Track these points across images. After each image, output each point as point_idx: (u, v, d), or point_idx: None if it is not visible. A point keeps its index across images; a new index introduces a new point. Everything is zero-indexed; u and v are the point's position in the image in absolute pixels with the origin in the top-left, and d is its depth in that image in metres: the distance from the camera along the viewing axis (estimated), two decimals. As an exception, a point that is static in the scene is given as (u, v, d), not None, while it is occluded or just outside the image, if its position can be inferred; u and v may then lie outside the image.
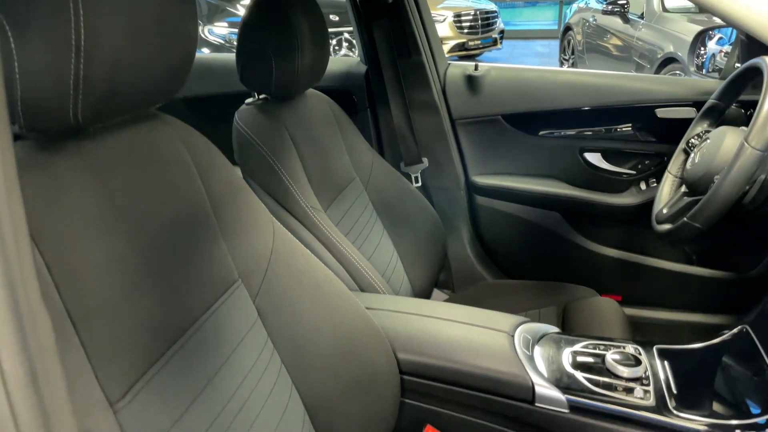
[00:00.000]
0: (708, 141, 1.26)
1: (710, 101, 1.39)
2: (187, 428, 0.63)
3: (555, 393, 0.96)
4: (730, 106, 1.38)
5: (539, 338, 1.11)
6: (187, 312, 0.69)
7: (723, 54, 1.99)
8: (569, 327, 1.49)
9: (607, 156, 1.80)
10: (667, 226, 1.27)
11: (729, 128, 1.26)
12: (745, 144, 1.07)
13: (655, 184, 1.75)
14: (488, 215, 1.89)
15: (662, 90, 1.69)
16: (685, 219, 1.17)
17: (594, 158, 1.81)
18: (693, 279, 1.77)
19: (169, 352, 0.64)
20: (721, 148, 1.21)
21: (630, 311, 1.81)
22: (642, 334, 1.67)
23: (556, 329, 1.15)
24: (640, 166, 1.78)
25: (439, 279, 1.79)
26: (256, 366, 0.78)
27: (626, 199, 1.77)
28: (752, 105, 1.48)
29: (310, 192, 1.29)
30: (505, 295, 1.71)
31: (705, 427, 0.90)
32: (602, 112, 1.76)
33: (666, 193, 1.42)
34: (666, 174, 1.45)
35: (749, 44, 1.57)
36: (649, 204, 1.71)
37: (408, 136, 1.83)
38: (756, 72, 1.27)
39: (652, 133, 1.73)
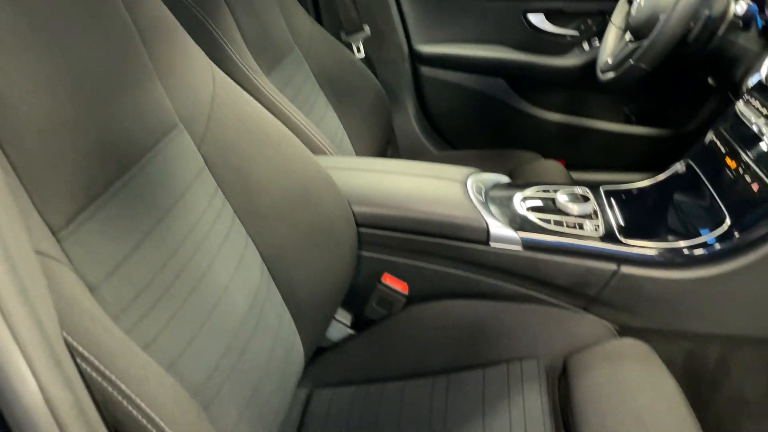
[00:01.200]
0: (652, -16, 1.24)
1: None
2: (139, 264, 0.60)
3: (509, 232, 0.97)
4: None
5: (491, 187, 1.11)
6: (126, 150, 0.64)
7: None
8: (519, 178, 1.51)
9: (550, 17, 1.77)
10: (611, 74, 1.27)
11: None
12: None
13: (598, 44, 1.74)
14: (433, 86, 1.86)
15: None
16: (630, 61, 1.17)
17: (537, 20, 1.77)
18: (633, 138, 1.82)
19: (112, 188, 0.60)
20: None
21: (574, 175, 1.86)
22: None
23: (506, 178, 1.16)
24: (583, 27, 1.76)
25: (386, 153, 1.77)
26: (207, 213, 0.75)
27: (569, 60, 1.76)
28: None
29: (248, 54, 1.21)
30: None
31: (655, 252, 0.94)
32: None
33: (611, 43, 1.41)
34: (609, 26, 1.43)
35: None
36: (591, 64, 1.70)
37: (347, 1, 1.74)
38: None
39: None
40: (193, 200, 0.73)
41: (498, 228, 0.97)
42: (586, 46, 1.75)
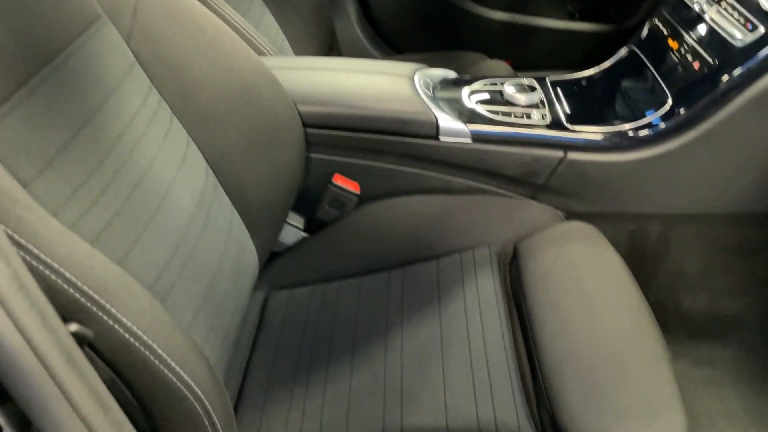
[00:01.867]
0: None
1: None
2: (73, 161, 0.57)
3: (458, 125, 0.96)
4: None
5: (439, 82, 1.10)
6: (45, 41, 0.59)
7: None
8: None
9: None
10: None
11: None
12: None
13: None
14: (374, -14, 1.78)
15: None
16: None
17: None
18: (577, 35, 1.81)
19: (33, 80, 0.56)
20: None
21: (520, 75, 1.85)
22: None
23: (454, 74, 1.14)
24: None
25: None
26: (142, 112, 0.71)
27: (513, -45, 1.72)
28: None
29: None
30: None
31: (600, 136, 0.95)
32: None
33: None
34: None
35: None
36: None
37: None
38: None
39: None
40: (125, 97, 0.69)
41: (447, 122, 0.96)
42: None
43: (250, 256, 0.88)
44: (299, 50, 1.49)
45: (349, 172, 1.01)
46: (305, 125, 0.96)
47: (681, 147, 0.91)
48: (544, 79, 1.11)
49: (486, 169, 0.99)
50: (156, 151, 0.70)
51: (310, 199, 1.02)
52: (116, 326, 0.45)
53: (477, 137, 0.97)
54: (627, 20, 1.76)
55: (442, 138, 0.97)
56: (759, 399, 0.99)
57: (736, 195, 0.95)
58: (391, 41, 1.86)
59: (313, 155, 1.00)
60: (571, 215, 1.01)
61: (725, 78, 0.86)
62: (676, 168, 0.93)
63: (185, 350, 0.50)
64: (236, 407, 0.79)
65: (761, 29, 0.83)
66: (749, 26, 0.85)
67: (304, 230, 1.04)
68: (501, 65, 1.62)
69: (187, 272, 0.68)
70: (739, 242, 1.00)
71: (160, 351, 0.47)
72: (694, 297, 1.05)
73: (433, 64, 1.66)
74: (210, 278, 0.73)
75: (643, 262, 1.04)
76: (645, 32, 1.09)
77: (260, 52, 1.18)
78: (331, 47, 1.71)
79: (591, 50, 1.83)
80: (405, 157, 0.99)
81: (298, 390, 0.79)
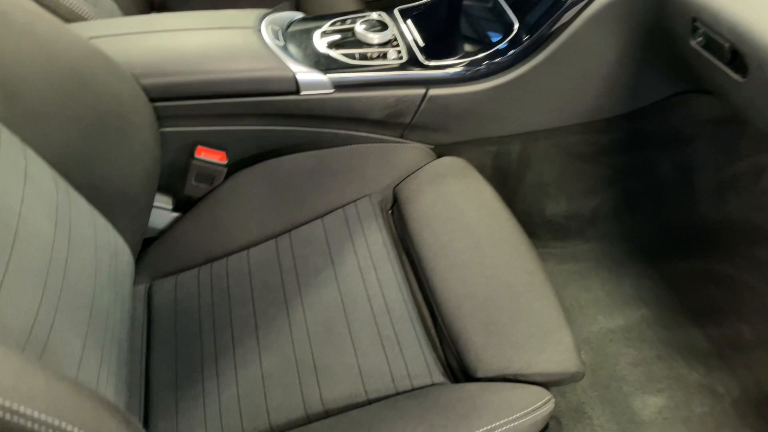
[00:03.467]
0: None
1: None
2: None
3: (317, 76, 0.93)
4: None
5: (286, 27, 1.04)
6: None
7: None
8: (309, 9, 1.43)
9: None
10: None
11: None
12: None
13: None
14: None
15: None
16: None
17: None
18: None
19: None
20: None
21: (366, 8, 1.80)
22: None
23: (300, 14, 1.09)
24: None
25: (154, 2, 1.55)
26: None
27: None
28: None
29: None
30: (230, 3, 1.55)
31: (457, 69, 0.96)
32: None
33: None
34: None
35: None
36: None
37: None
38: None
39: None
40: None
41: (306, 75, 0.93)
42: None
43: (123, 255, 0.82)
44: (125, 3, 1.33)
45: (211, 141, 0.95)
46: (152, 100, 0.88)
47: (531, 69, 0.95)
48: (392, 10, 1.09)
49: (352, 116, 0.98)
50: (19, 197, 0.61)
51: (174, 177, 0.96)
52: None
53: (338, 85, 0.94)
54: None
55: (303, 92, 0.93)
56: (619, 282, 1.14)
57: (582, 106, 1.03)
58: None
59: (168, 130, 0.92)
60: (438, 147, 1.04)
61: (560, 5, 0.90)
62: (529, 89, 0.98)
63: (82, 410, 0.46)
64: (147, 416, 0.76)
65: (589, -49, 0.87)
66: (580, -53, 0.88)
67: (174, 210, 0.98)
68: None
69: (64, 302, 0.62)
70: (588, 148, 1.09)
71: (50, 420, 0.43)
72: (555, 202, 1.15)
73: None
74: (90, 298, 0.67)
75: (508, 179, 1.11)
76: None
77: (75, 15, 1.04)
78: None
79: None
80: (267, 116, 0.95)
81: (208, 383, 0.77)
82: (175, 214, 0.97)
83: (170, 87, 0.89)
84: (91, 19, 1.08)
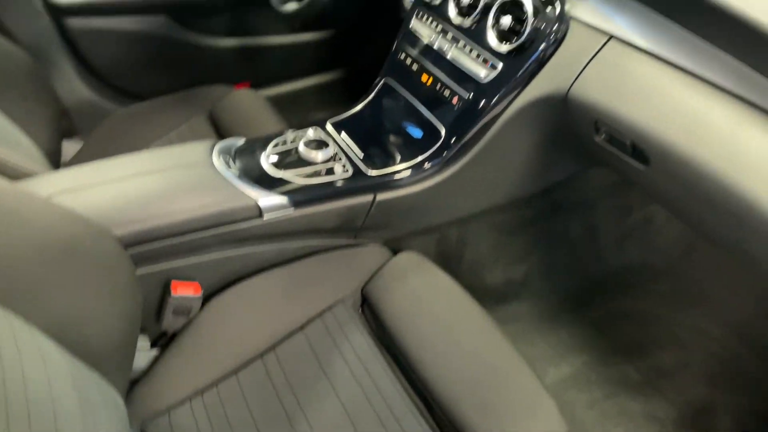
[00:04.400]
0: None
1: None
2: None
3: (277, 199, 1.00)
4: None
5: (234, 155, 1.11)
6: None
7: None
8: (226, 130, 1.50)
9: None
10: (294, 5, 1.31)
11: None
12: None
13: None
14: (88, 38, 1.62)
15: None
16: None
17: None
18: (305, 45, 1.91)
19: None
20: None
21: (264, 92, 1.89)
22: (282, 110, 1.77)
23: (242, 139, 1.16)
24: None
25: (61, 126, 1.54)
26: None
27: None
28: None
29: None
30: (143, 122, 1.58)
31: (400, 174, 1.08)
32: None
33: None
34: None
35: None
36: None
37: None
38: None
39: None
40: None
41: (266, 199, 1.00)
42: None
43: (117, 405, 0.83)
44: (35, 133, 1.32)
45: (183, 274, 0.99)
46: (127, 246, 0.91)
47: (463, 166, 1.09)
48: (325, 124, 1.20)
49: (312, 229, 1.06)
50: (19, 369, 0.62)
51: (150, 314, 0.98)
52: None
53: (296, 203, 1.02)
54: (347, 26, 1.92)
55: (266, 215, 1.00)
56: (557, 334, 1.29)
57: (506, 190, 1.18)
58: (127, 89, 1.74)
59: (144, 271, 0.95)
60: (389, 242, 1.15)
61: (481, 110, 1.05)
62: (463, 182, 1.12)
63: None
64: None
65: (499, 66, 1.03)
66: (489, 64, 1.05)
67: (154, 346, 0.99)
68: (248, 94, 1.64)
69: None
70: (514, 223, 1.24)
71: None
72: (492, 273, 1.29)
73: (180, 105, 1.62)
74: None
75: (451, 260, 1.23)
76: (395, 64, 1.24)
77: (19, 172, 1.04)
78: (59, 110, 1.53)
79: (320, 56, 1.96)
80: (235, 242, 1.01)
81: None
82: (154, 352, 0.99)
83: (143, 233, 0.92)
84: (28, 168, 1.08)
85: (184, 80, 1.76)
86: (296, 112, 1.85)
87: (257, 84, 1.90)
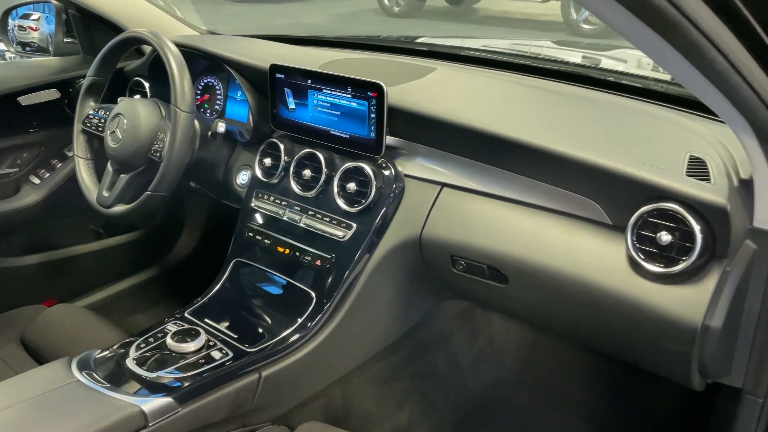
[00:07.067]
0: (121, 118, 1.29)
1: (90, 78, 1.39)
2: None
3: (160, 401, 0.93)
4: (109, 79, 1.42)
5: (92, 366, 0.99)
6: None
7: (18, 27, 1.95)
8: (48, 352, 1.33)
9: None
10: (122, 207, 1.28)
11: (134, 100, 1.34)
12: (177, 109, 1.19)
13: (47, 175, 1.65)
14: None
15: (20, 75, 1.56)
16: (148, 192, 1.22)
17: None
18: (115, 248, 1.83)
19: None
20: (142, 120, 1.27)
21: (79, 304, 1.73)
22: (106, 318, 1.62)
23: (97, 350, 1.05)
24: (20, 161, 1.63)
25: None
26: None
27: (25, 199, 1.61)
28: (124, 74, 1.58)
29: None
30: None
31: (282, 345, 1.07)
32: None
33: (88, 177, 1.38)
34: (76, 159, 1.40)
35: (81, 18, 1.62)
36: (54, 195, 1.62)
37: None
38: (130, 43, 1.36)
39: (21, 123, 1.60)
40: None
41: (150, 404, 0.91)
42: (35, 179, 1.64)
43: None
44: None
45: None
46: None
47: (340, 322, 1.12)
48: (183, 314, 1.15)
49: (202, 425, 0.97)
50: None
51: None
52: None
53: (182, 400, 0.95)
54: (157, 222, 1.90)
55: (152, 423, 0.91)
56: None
57: (378, 337, 1.23)
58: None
59: None
60: (276, 420, 1.10)
61: (346, 266, 1.12)
62: (342, 338, 1.14)
63: None
64: None
65: (354, 226, 1.13)
66: (344, 225, 1.14)
67: None
68: (66, 310, 1.49)
69: None
70: (389, 370, 1.29)
71: None
72: (380, 425, 1.29)
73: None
74: None
75: (340, 422, 1.21)
76: (241, 245, 1.26)
77: None
78: None
79: (133, 257, 1.89)
80: None
81: None
82: None
83: None
84: None
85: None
86: (120, 318, 1.72)
87: (67, 298, 1.74)
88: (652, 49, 0.57)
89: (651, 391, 1.33)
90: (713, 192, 0.81)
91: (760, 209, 0.80)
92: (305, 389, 1.14)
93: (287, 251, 1.20)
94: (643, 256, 0.86)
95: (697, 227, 0.82)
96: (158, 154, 1.25)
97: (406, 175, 1.14)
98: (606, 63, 1.66)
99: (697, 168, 0.87)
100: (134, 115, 1.28)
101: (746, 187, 0.84)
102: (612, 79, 1.23)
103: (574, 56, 1.79)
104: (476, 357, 1.48)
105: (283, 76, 1.22)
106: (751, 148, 0.73)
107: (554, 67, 1.32)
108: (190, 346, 1.04)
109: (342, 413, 1.21)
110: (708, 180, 0.84)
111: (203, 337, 1.06)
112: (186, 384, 0.97)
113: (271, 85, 1.23)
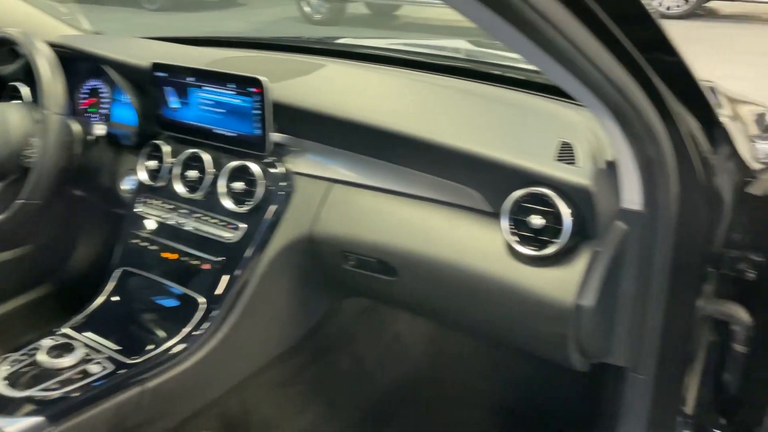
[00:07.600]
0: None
1: None
2: None
3: (27, 422, 0.86)
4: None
5: None
6: None
7: None
8: None
9: None
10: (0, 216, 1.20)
11: (2, 105, 1.26)
12: (48, 113, 1.13)
13: None
14: None
15: None
16: (22, 201, 1.15)
17: None
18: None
19: None
20: (11, 125, 1.20)
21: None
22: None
23: None
24: None
25: None
26: None
27: None
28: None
29: None
30: None
31: (178, 347, 1.02)
32: None
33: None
34: None
35: None
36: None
37: None
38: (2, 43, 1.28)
39: None
40: None
41: (14, 426, 0.85)
42: None
43: None
44: None
45: None
46: None
47: (232, 327, 1.08)
48: (60, 329, 1.08)
49: None
50: None
51: None
52: None
53: (53, 420, 0.88)
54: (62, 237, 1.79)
55: None
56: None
57: (276, 340, 1.20)
58: None
59: None
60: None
61: (236, 268, 1.08)
62: (235, 344, 1.09)
63: None
64: None
65: (242, 226, 1.09)
66: (231, 227, 1.10)
67: None
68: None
69: None
70: (290, 372, 1.26)
71: None
72: (281, 430, 1.25)
73: None
74: None
75: (235, 429, 1.17)
76: (126, 253, 1.20)
77: None
78: None
79: (18, 275, 1.77)
80: None
81: None
82: None
83: None
84: None
85: None
86: (8, 340, 1.60)
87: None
88: (511, 40, 0.57)
89: (550, 376, 1.35)
90: (577, 174, 0.83)
91: (625, 190, 0.82)
92: (198, 399, 1.09)
93: (176, 257, 1.15)
94: (518, 240, 0.87)
95: (565, 209, 0.84)
96: (30, 160, 1.18)
97: (295, 173, 1.11)
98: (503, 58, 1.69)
99: (566, 153, 0.89)
100: (2, 120, 1.20)
101: (613, 169, 0.87)
102: (498, 73, 1.25)
103: (480, 55, 1.81)
104: (381, 355, 1.46)
105: (165, 75, 1.17)
106: (611, 131, 0.75)
107: (444, 63, 1.33)
108: (65, 362, 0.97)
109: (239, 422, 1.17)
110: (573, 163, 0.86)
111: (80, 352, 1.00)
112: (58, 402, 0.90)
113: (152, 83, 1.18)
